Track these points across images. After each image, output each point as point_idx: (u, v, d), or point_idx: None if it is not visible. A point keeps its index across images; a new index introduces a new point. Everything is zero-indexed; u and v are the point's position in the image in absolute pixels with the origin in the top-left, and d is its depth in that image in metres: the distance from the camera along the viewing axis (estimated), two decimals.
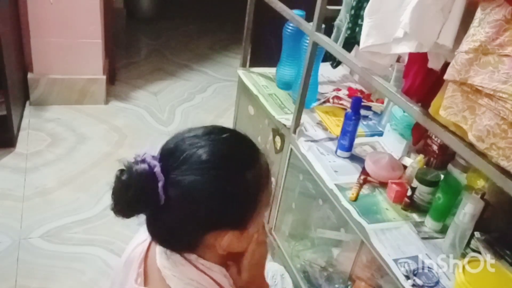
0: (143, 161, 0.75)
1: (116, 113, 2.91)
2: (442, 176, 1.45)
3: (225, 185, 0.77)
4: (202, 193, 0.75)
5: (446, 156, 1.56)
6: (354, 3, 1.47)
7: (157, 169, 0.74)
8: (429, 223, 1.37)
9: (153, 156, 0.77)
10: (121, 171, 0.76)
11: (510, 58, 0.91)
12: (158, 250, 0.86)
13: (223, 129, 0.84)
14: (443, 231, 1.34)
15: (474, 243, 1.30)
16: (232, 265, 0.89)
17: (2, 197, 2.16)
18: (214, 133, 0.82)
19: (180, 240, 0.81)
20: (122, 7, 3.91)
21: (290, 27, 1.93)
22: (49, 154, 2.47)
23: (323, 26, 1.57)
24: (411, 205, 1.43)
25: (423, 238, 1.34)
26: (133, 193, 0.74)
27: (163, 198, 0.74)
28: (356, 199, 1.46)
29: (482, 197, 1.27)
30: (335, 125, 1.78)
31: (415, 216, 1.42)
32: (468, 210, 1.22)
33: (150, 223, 0.82)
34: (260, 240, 0.90)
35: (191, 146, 0.77)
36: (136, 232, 0.98)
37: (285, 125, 1.79)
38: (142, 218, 0.86)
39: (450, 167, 1.37)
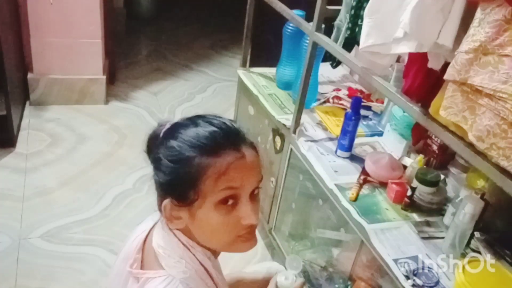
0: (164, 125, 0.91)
1: (116, 113, 2.91)
2: (442, 176, 1.45)
3: (175, 158, 0.85)
4: (166, 160, 0.86)
5: (446, 156, 1.56)
6: (354, 3, 1.47)
7: (164, 128, 0.91)
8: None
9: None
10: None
11: (510, 58, 0.91)
12: (156, 231, 0.93)
13: (215, 116, 0.90)
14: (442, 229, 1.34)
15: (474, 243, 1.30)
16: None
17: (2, 197, 2.16)
18: (206, 117, 0.90)
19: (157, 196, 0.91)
20: (122, 7, 3.91)
21: (290, 27, 1.93)
22: (49, 154, 2.47)
23: (323, 26, 1.57)
24: (411, 205, 1.43)
25: (423, 238, 1.34)
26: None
27: (158, 141, 0.89)
28: (356, 199, 1.47)
29: (482, 197, 1.27)
30: (335, 125, 1.78)
31: (415, 216, 1.42)
32: (468, 210, 1.22)
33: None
34: None
35: (186, 123, 0.89)
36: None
37: (285, 125, 1.79)
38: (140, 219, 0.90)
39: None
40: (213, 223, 0.86)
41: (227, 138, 0.86)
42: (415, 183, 1.41)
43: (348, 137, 1.62)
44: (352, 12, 1.49)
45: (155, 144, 0.90)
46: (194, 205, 0.85)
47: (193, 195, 0.84)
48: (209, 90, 3.36)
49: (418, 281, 1.20)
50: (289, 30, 1.94)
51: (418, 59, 1.31)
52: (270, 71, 2.15)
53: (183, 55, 3.77)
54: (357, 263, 1.46)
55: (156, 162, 0.89)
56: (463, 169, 1.50)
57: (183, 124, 0.89)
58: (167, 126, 0.91)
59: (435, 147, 1.56)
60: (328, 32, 1.61)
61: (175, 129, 0.89)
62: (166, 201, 0.87)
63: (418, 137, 1.55)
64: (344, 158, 1.65)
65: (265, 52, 2.59)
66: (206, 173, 0.83)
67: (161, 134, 0.90)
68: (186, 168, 0.84)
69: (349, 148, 1.65)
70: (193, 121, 0.89)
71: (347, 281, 1.51)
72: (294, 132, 1.73)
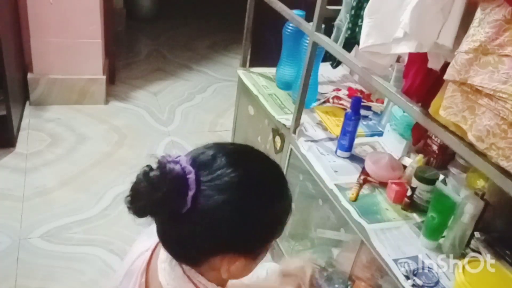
0: (177, 162, 0.71)
1: (116, 113, 2.91)
2: (442, 176, 1.45)
3: (254, 212, 0.74)
4: (229, 215, 0.72)
5: (446, 156, 1.56)
6: (354, 3, 1.47)
7: (192, 176, 0.70)
8: (424, 242, 1.32)
9: (187, 161, 0.72)
10: (150, 167, 0.71)
11: (510, 58, 0.91)
12: (161, 266, 0.84)
13: (259, 154, 0.82)
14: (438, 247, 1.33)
15: (474, 243, 1.29)
16: None
17: (2, 197, 2.16)
18: (252, 155, 0.80)
19: (188, 253, 0.78)
20: (122, 7, 3.91)
21: (290, 27, 1.93)
22: (49, 154, 2.47)
23: (323, 26, 1.57)
24: (411, 205, 1.43)
25: None
26: (161, 195, 0.69)
27: (187, 208, 0.71)
28: (356, 199, 1.47)
29: (482, 197, 1.27)
30: (335, 125, 1.78)
31: (415, 216, 1.42)
32: (468, 210, 1.22)
33: (162, 228, 0.78)
34: None
35: (229, 163, 0.73)
36: (136, 233, 0.97)
37: (285, 125, 1.79)
38: (141, 219, 0.85)
39: (439, 184, 1.34)
40: (263, 256, 0.83)
41: (281, 170, 0.82)
42: (415, 183, 1.41)
43: (348, 137, 1.62)
44: (353, 12, 1.49)
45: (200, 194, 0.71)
46: (264, 249, 0.81)
47: (270, 242, 0.80)
48: (209, 90, 3.36)
49: (418, 281, 1.20)
50: (289, 30, 1.94)
51: (418, 59, 1.31)
52: (270, 71, 2.15)
53: (183, 55, 3.77)
54: (357, 263, 1.46)
55: (224, 217, 0.72)
56: (463, 169, 1.50)
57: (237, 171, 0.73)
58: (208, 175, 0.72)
59: (435, 147, 1.56)
60: (328, 32, 1.61)
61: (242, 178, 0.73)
62: (241, 261, 0.76)
63: (418, 137, 1.55)
64: (344, 158, 1.65)
65: (265, 52, 2.59)
66: (285, 216, 0.79)
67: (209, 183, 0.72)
68: (273, 218, 0.77)
69: (349, 148, 1.65)
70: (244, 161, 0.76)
71: (347, 281, 1.51)
72: (294, 132, 1.73)
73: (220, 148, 0.77)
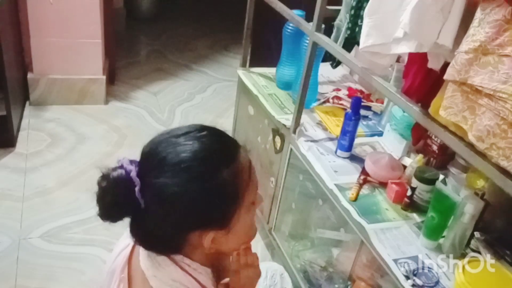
0: (121, 166, 0.77)
1: (116, 113, 2.91)
2: (441, 176, 1.45)
3: (200, 184, 0.76)
4: (176, 194, 0.76)
5: (446, 156, 1.56)
6: (354, 3, 1.47)
7: (133, 173, 0.76)
8: (424, 242, 1.32)
9: (130, 161, 0.78)
10: (102, 177, 0.78)
11: (510, 58, 0.91)
12: (142, 252, 0.86)
13: (200, 128, 0.83)
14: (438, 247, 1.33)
15: (474, 243, 1.30)
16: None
17: (2, 197, 2.16)
18: (191, 132, 0.82)
19: (163, 242, 0.82)
20: (122, 7, 3.91)
21: (290, 27, 1.93)
22: (49, 154, 2.47)
23: (323, 26, 1.57)
24: (411, 205, 1.43)
25: None
26: (110, 199, 0.76)
27: (143, 202, 0.76)
28: (356, 199, 1.47)
29: (482, 197, 1.27)
30: (335, 125, 1.78)
31: (415, 216, 1.42)
32: (468, 210, 1.22)
33: (133, 227, 0.83)
34: (249, 263, 0.91)
35: (166, 147, 0.78)
36: None
37: (285, 125, 1.79)
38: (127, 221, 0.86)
39: (439, 183, 1.34)
40: (246, 225, 0.83)
41: (230, 138, 0.84)
42: (414, 183, 1.41)
43: (348, 137, 1.62)
44: (352, 12, 1.49)
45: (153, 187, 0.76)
46: (234, 218, 0.81)
47: (236, 210, 0.80)
48: (209, 90, 3.36)
49: (418, 281, 1.20)
50: (289, 30, 1.94)
51: (418, 59, 1.31)
52: (270, 71, 2.15)
53: (183, 55, 3.77)
54: (357, 263, 1.46)
55: (174, 199, 0.76)
56: (463, 169, 1.50)
57: (175, 152, 0.77)
58: (151, 165, 0.77)
59: (435, 147, 1.56)
60: (328, 32, 1.61)
61: (170, 159, 0.76)
62: (210, 235, 0.79)
63: (418, 137, 1.55)
64: (344, 158, 1.65)
65: (265, 52, 2.59)
66: (240, 182, 0.80)
67: (157, 174, 0.76)
68: (223, 186, 0.78)
69: (349, 148, 1.65)
70: (178, 143, 0.79)
71: (347, 281, 1.51)
72: (294, 132, 1.73)
73: (159, 137, 0.82)
